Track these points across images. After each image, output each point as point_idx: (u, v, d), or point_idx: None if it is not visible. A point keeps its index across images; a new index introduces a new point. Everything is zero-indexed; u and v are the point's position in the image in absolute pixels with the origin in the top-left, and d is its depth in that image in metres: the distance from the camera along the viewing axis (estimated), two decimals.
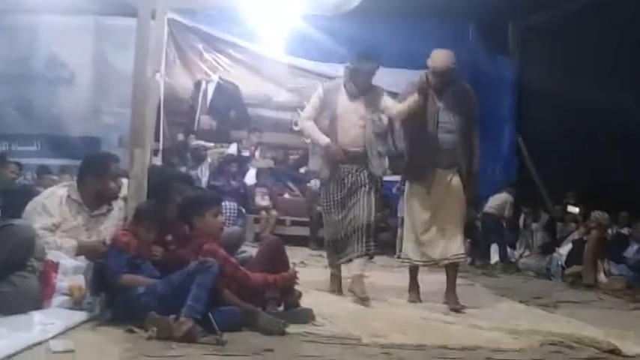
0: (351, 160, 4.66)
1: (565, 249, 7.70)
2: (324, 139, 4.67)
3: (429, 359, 3.16)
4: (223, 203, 5.92)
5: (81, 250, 3.52)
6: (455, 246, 4.62)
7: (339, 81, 4.84)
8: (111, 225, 3.74)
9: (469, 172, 4.69)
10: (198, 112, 9.95)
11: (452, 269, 4.69)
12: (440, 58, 4.58)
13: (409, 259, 4.77)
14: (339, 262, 4.75)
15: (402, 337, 3.48)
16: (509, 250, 8.73)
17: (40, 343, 2.74)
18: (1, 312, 2.96)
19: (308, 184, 8.99)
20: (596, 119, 8.72)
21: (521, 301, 5.32)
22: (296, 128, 8.95)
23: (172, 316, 3.04)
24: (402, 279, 5.05)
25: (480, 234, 8.71)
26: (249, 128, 9.96)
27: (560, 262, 7.51)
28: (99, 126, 9.65)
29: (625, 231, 8.28)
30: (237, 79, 10.08)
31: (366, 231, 4.59)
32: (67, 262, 3.39)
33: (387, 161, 4.77)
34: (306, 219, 8.89)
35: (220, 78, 10.01)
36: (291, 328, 3.39)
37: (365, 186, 4.65)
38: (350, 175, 4.66)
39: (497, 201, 8.88)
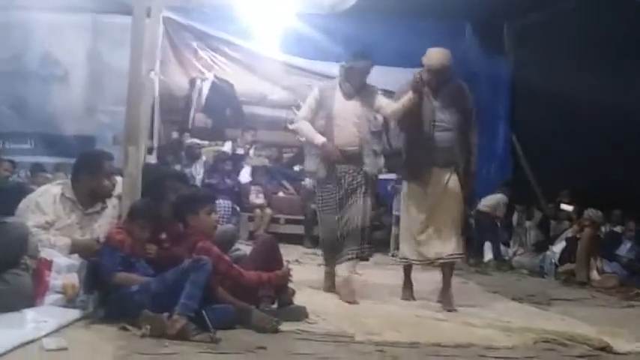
0: (347, 160, 4.66)
1: (558, 247, 7.73)
2: (320, 139, 4.67)
3: (422, 357, 3.17)
4: (217, 201, 5.92)
5: (75, 248, 3.52)
6: (451, 246, 4.62)
7: (334, 81, 4.84)
8: (105, 223, 3.74)
9: (467, 171, 4.69)
10: (192, 110, 9.93)
11: (447, 269, 4.69)
12: (435, 56, 4.58)
13: (406, 258, 4.78)
14: (336, 262, 4.75)
15: (395, 335, 3.49)
16: (502, 248, 8.75)
17: (33, 341, 2.74)
18: None
19: (302, 182, 8.99)
20: (590, 118, 8.74)
21: (514, 299, 5.34)
22: (291, 127, 8.94)
23: (166, 314, 3.05)
24: (396, 277, 5.07)
25: (474, 232, 8.73)
26: (244, 126, 9.95)
27: (553, 260, 7.54)
28: (93, 124, 9.60)
29: (618, 229, 8.32)
30: (232, 77, 10.05)
31: (361, 233, 4.60)
32: (60, 260, 3.39)
33: (382, 160, 4.78)
34: (301, 217, 8.88)
35: (215, 76, 9.99)
36: (285, 326, 3.40)
37: (362, 187, 4.65)
38: (347, 176, 4.66)
39: (492, 201, 8.90)
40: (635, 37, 8.27)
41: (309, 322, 3.62)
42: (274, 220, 8.93)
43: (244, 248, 4.43)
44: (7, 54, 9.51)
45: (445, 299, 4.58)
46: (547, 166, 10.09)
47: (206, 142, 9.66)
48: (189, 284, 3.13)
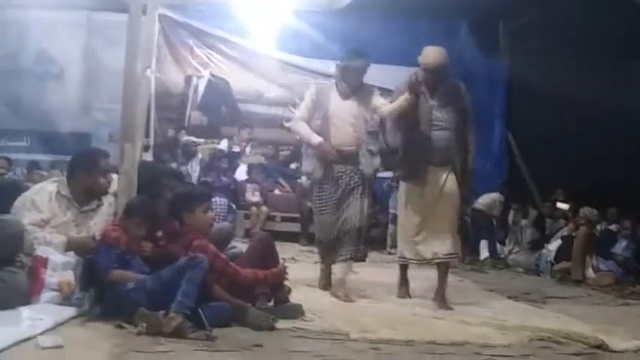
0: (344, 160, 4.65)
1: (554, 245, 7.75)
2: (316, 138, 4.66)
3: (417, 355, 3.17)
4: (213, 199, 5.93)
5: (70, 246, 3.52)
6: (447, 245, 4.60)
7: (331, 81, 4.84)
8: (100, 220, 3.73)
9: (464, 170, 4.68)
10: (188, 108, 9.92)
11: (443, 268, 4.67)
12: (431, 54, 4.57)
13: (404, 257, 4.77)
14: (333, 262, 4.75)
15: (391, 333, 3.49)
16: (498, 246, 8.77)
17: (28, 339, 2.74)
18: None
19: (298, 180, 9.00)
20: (585, 117, 8.76)
21: (510, 297, 5.34)
22: (287, 125, 8.94)
23: (162, 312, 3.05)
24: (392, 275, 5.07)
25: (470, 230, 8.74)
26: (240, 124, 9.95)
27: (549, 258, 7.55)
28: (89, 122, 9.59)
29: (613, 227, 8.34)
30: (228, 75, 10.05)
31: (357, 233, 4.61)
32: (56, 257, 3.39)
33: (378, 160, 4.77)
34: (297, 215, 8.89)
35: (211, 74, 9.98)
36: (281, 324, 3.40)
37: (359, 187, 4.65)
38: (344, 176, 4.66)
39: (488, 199, 8.92)
40: (634, 37, 8.29)
41: (305, 320, 3.62)
42: (270, 218, 8.94)
43: (240, 246, 4.43)
44: (3, 52, 9.50)
45: (439, 299, 4.57)
46: (543, 165, 10.11)
47: (202, 140, 9.66)
48: (185, 282, 3.12)
